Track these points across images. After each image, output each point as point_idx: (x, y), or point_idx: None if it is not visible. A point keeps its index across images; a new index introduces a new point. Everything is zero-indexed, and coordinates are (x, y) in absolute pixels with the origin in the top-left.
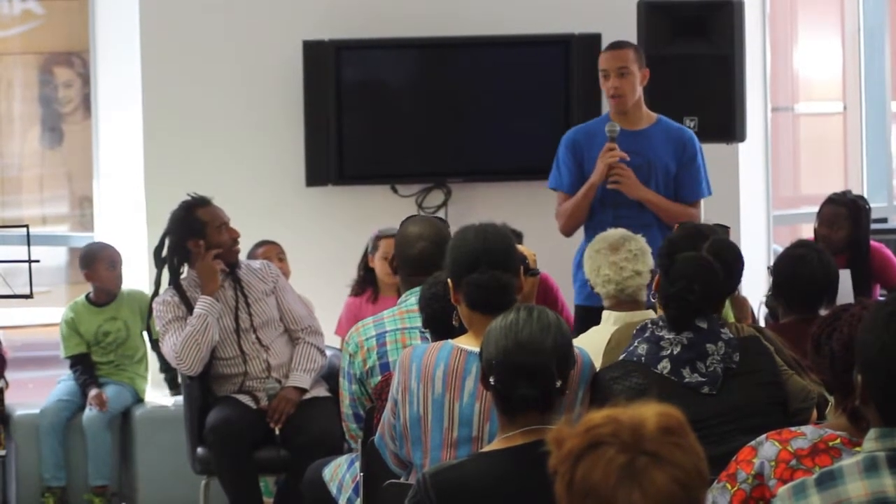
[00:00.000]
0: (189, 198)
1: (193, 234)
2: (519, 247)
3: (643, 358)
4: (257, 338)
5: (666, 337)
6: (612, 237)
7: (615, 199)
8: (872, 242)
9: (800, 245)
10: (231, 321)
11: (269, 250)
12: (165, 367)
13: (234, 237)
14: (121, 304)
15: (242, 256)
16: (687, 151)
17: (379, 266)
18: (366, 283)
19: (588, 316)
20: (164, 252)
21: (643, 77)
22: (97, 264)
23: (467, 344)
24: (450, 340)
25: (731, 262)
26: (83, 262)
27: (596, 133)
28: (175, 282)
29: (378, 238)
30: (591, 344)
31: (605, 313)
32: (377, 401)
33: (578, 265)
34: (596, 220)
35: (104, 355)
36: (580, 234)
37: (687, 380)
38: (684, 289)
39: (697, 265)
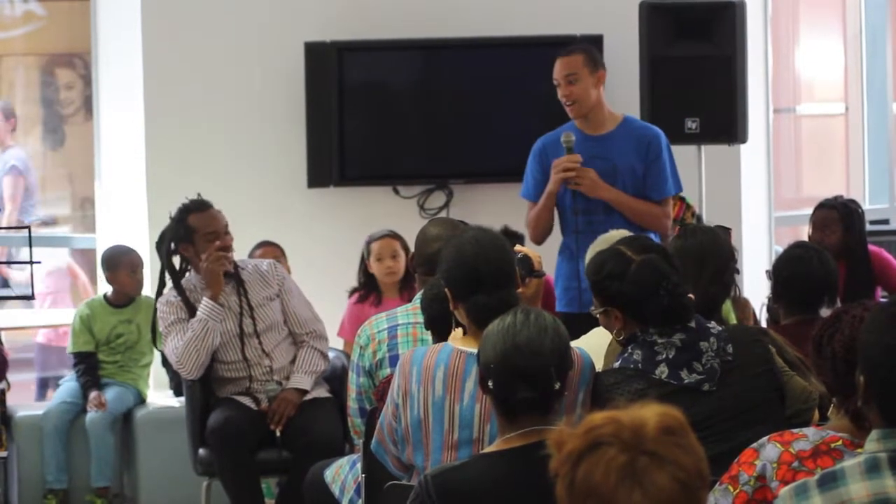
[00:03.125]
0: (188, 200)
1: (184, 240)
2: (525, 249)
3: (640, 364)
4: (260, 342)
5: (659, 341)
6: (613, 238)
7: (586, 206)
8: (871, 247)
9: (798, 246)
10: (235, 326)
11: (268, 252)
12: (174, 373)
13: (226, 245)
14: (138, 309)
15: (243, 256)
16: (651, 150)
17: (376, 268)
18: (369, 289)
19: (567, 322)
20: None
21: (598, 79)
22: (119, 269)
23: (467, 346)
24: (449, 342)
25: (655, 246)
26: (105, 265)
27: (559, 140)
28: (177, 283)
29: (369, 242)
30: (595, 345)
31: None
32: (378, 402)
33: (556, 273)
34: (569, 228)
35: (111, 355)
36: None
37: (686, 381)
38: (670, 290)
39: (651, 268)
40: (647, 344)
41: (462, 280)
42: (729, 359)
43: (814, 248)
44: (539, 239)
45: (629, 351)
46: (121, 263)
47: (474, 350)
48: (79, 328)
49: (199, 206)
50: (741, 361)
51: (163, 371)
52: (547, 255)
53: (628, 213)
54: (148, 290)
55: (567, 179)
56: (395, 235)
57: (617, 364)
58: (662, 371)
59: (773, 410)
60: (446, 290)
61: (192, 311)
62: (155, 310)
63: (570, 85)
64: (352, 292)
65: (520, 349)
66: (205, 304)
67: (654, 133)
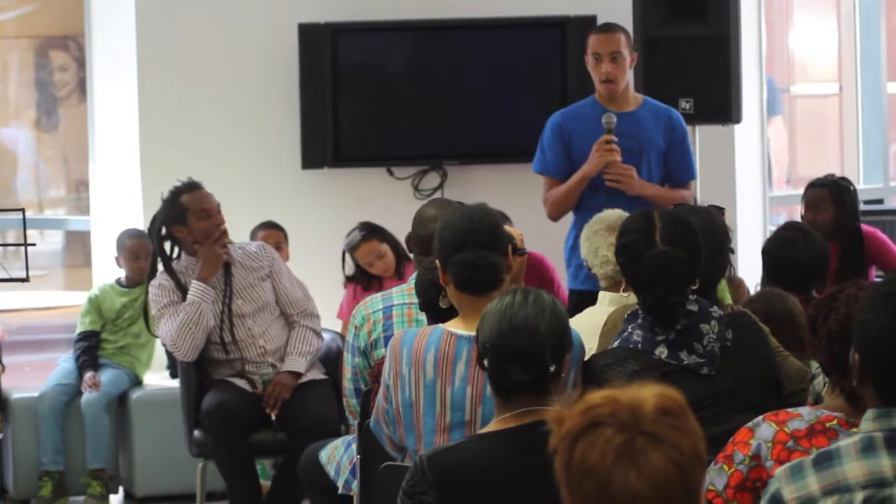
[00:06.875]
0: (179, 183)
1: (176, 221)
2: (508, 227)
3: (639, 345)
4: (251, 324)
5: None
6: (609, 218)
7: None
8: (865, 227)
9: (786, 227)
10: (225, 308)
11: (270, 235)
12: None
13: (218, 224)
14: (144, 290)
15: (245, 237)
16: (677, 132)
17: (373, 269)
18: (368, 279)
19: (582, 300)
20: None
21: (632, 61)
22: (121, 253)
23: (458, 328)
24: (440, 325)
25: (693, 241)
26: (116, 244)
27: (585, 118)
28: (168, 266)
29: (351, 251)
30: (587, 325)
31: (601, 294)
32: (373, 383)
33: (571, 249)
34: (587, 205)
35: (114, 333)
36: (568, 218)
37: (686, 362)
38: (660, 295)
39: (661, 265)
40: (647, 325)
41: (447, 241)
42: (728, 344)
43: (803, 229)
44: (559, 216)
45: (629, 331)
46: (124, 248)
47: (465, 332)
48: (86, 308)
49: (190, 187)
50: (740, 347)
51: (163, 352)
52: (539, 235)
53: (660, 204)
54: None
55: (607, 175)
56: (369, 235)
57: (615, 344)
58: (662, 351)
59: (768, 397)
60: (436, 261)
61: (184, 293)
62: (146, 293)
63: (613, 63)
64: (347, 282)
65: (515, 329)
66: (195, 286)
67: (677, 115)
